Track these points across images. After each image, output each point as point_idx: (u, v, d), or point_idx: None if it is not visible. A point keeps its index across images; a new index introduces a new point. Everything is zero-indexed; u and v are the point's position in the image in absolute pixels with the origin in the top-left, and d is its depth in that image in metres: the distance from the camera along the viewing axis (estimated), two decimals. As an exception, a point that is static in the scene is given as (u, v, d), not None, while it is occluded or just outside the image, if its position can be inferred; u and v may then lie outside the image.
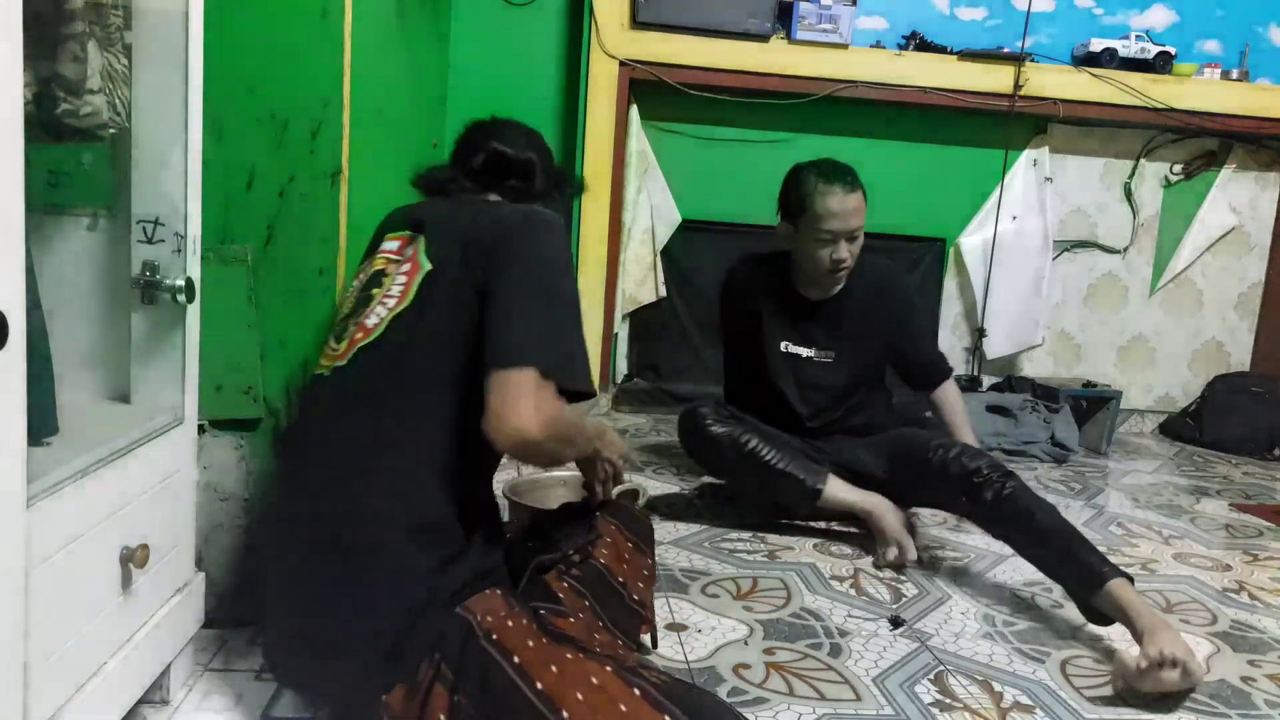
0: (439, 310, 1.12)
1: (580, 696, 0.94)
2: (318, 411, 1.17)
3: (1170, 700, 1.37)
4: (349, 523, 1.06)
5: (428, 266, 1.14)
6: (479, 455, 1.12)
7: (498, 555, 1.18)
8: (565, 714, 0.93)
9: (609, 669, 0.97)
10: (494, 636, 0.99)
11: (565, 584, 1.16)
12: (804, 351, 2.13)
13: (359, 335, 1.14)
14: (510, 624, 1.01)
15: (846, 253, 1.97)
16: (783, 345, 2.12)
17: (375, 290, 1.18)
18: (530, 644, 1.00)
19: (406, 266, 1.16)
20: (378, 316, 1.14)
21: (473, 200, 1.29)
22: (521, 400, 1.01)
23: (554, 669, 0.97)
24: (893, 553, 1.87)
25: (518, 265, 1.11)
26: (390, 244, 1.23)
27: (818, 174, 1.97)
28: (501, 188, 1.32)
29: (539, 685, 0.95)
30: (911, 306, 2.28)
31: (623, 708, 0.93)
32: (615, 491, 1.48)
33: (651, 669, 1.01)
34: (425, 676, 0.98)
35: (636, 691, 0.94)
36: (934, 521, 2.22)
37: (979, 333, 3.47)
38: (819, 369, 2.13)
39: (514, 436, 1.01)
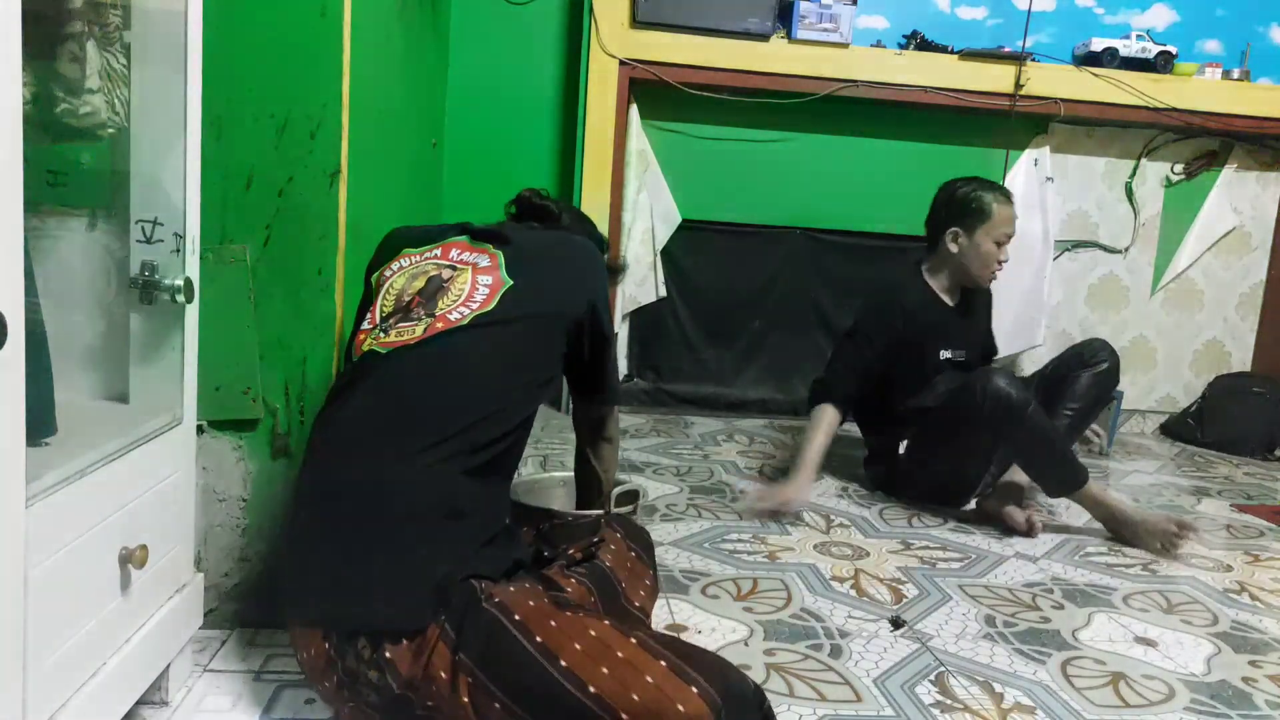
0: (522, 321, 1.24)
1: (579, 646, 0.98)
2: (373, 382, 1.18)
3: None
4: (397, 488, 1.09)
5: (509, 282, 1.26)
6: (516, 456, 1.23)
7: (521, 552, 1.22)
8: (564, 663, 0.97)
9: (607, 623, 1.02)
10: (496, 599, 1.03)
11: (573, 580, 1.17)
12: (953, 354, 2.38)
13: (439, 324, 1.20)
14: (512, 589, 1.07)
15: (1006, 254, 2.31)
16: (942, 353, 2.37)
17: (439, 292, 1.26)
18: (531, 603, 1.04)
19: (487, 278, 1.27)
20: (460, 314, 1.22)
21: (525, 227, 1.46)
22: (617, 423, 1.57)
23: (553, 623, 1.01)
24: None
25: (605, 313, 1.36)
26: (434, 251, 1.32)
27: (990, 188, 2.31)
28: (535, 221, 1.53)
29: (538, 638, 0.99)
30: (991, 303, 2.57)
31: (620, 654, 0.97)
32: (615, 492, 1.49)
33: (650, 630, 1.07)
34: (431, 635, 1.01)
35: (634, 640, 0.99)
36: (934, 522, 2.22)
37: (980, 333, 3.48)
38: (959, 367, 2.38)
39: (617, 444, 1.58)
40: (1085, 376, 2.30)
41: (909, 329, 2.30)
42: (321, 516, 1.11)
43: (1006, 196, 2.30)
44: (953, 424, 2.18)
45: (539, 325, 1.26)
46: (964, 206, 2.29)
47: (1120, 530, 2.15)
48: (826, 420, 2.28)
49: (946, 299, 2.38)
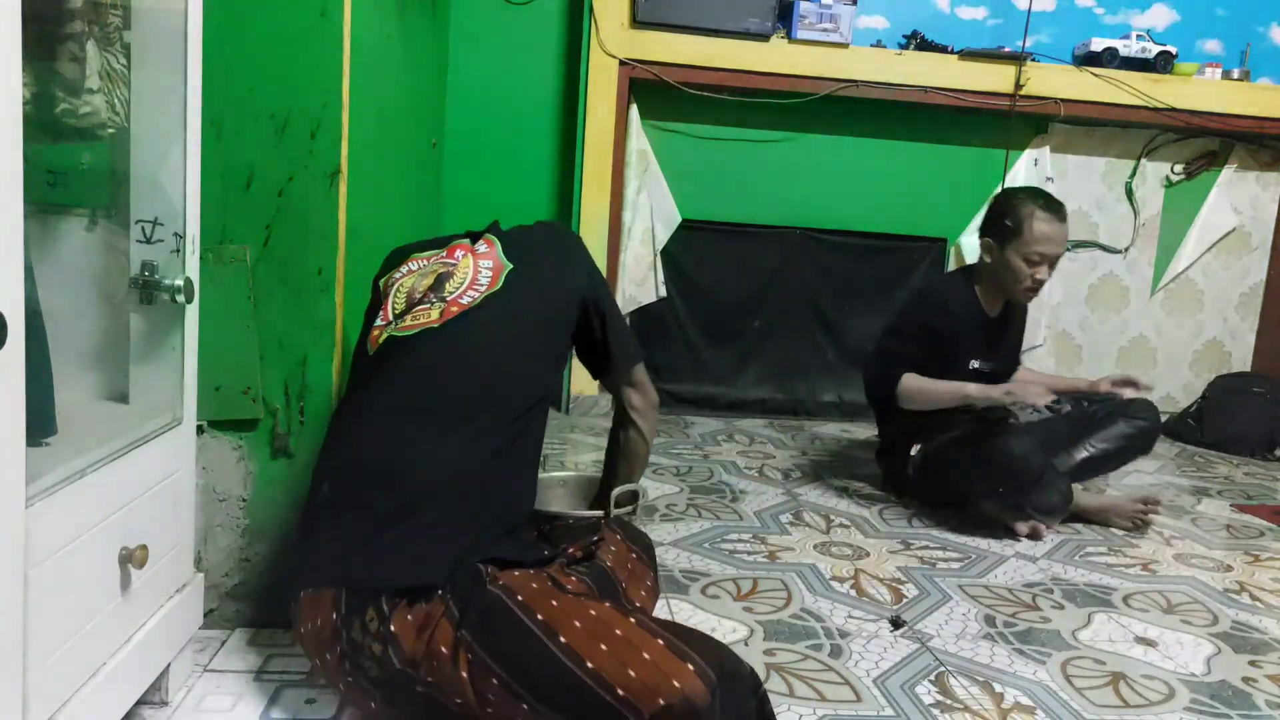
0: (529, 298, 1.31)
1: (578, 624, 1.00)
2: (398, 365, 1.22)
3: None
4: (424, 466, 1.13)
5: (509, 265, 1.33)
6: (536, 440, 1.28)
7: (537, 554, 1.21)
8: (563, 639, 0.98)
9: (607, 604, 1.05)
10: (500, 581, 1.06)
11: (573, 578, 1.18)
12: (981, 365, 2.32)
13: (454, 308, 1.27)
14: (517, 573, 1.09)
15: (1046, 275, 2.19)
16: (972, 364, 2.31)
17: (448, 282, 1.31)
18: (535, 586, 1.07)
19: (488, 262, 1.34)
20: (470, 297, 1.28)
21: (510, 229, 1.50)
22: (652, 387, 1.52)
23: (554, 603, 1.04)
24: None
25: (603, 285, 1.43)
26: (440, 253, 1.38)
27: (1035, 201, 2.17)
28: None
29: (539, 616, 1.01)
30: (1026, 317, 2.51)
31: (619, 632, 0.99)
32: (615, 492, 1.49)
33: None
34: (435, 612, 1.02)
35: (632, 620, 1.01)
36: (934, 522, 2.22)
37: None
38: (984, 378, 2.32)
39: (658, 410, 1.53)
40: (1121, 425, 2.33)
41: (946, 331, 2.24)
42: (345, 490, 1.13)
43: (1051, 213, 2.15)
44: (966, 458, 2.15)
45: (546, 302, 1.33)
46: (999, 217, 2.20)
47: (1091, 520, 2.27)
48: (914, 376, 2.19)
49: (987, 308, 2.30)
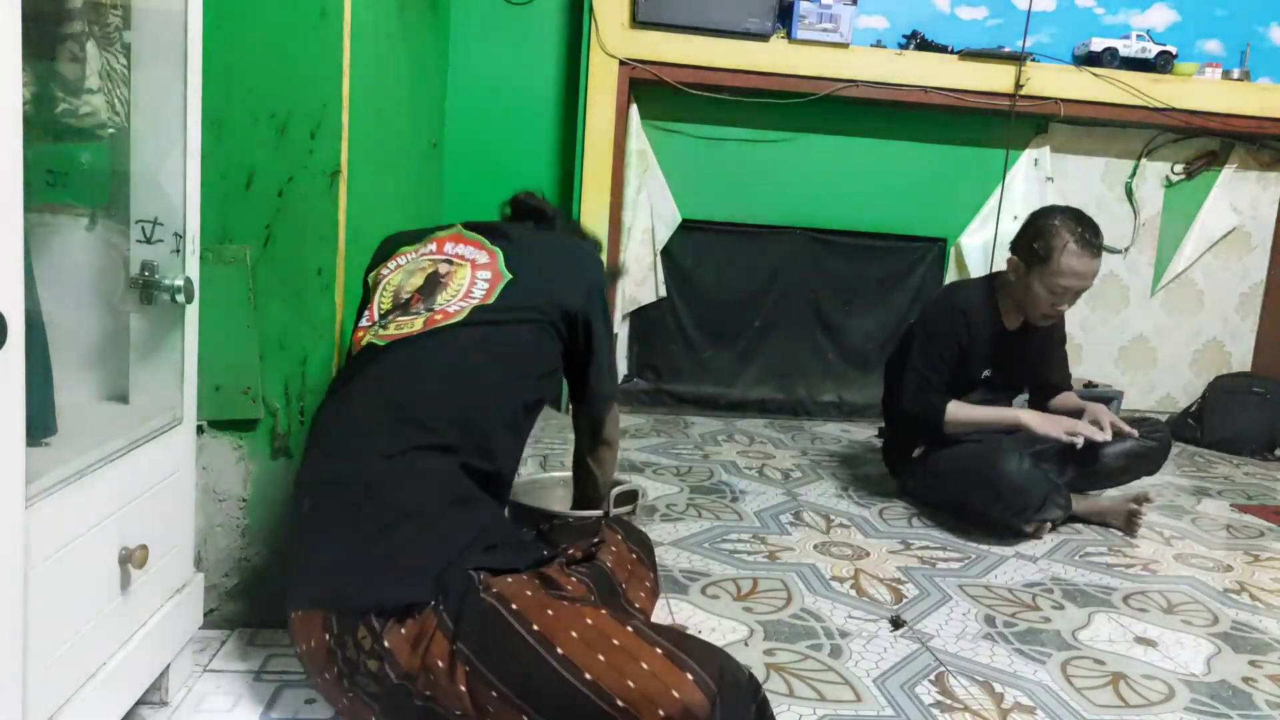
0: (520, 314, 1.27)
1: (575, 634, 0.98)
2: (373, 374, 1.20)
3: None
4: (399, 478, 1.11)
5: (509, 276, 1.29)
6: (514, 456, 1.26)
7: (535, 554, 1.20)
8: (560, 650, 0.97)
9: (604, 612, 1.03)
10: (494, 589, 1.04)
11: (573, 579, 1.17)
12: (992, 374, 2.31)
13: (439, 317, 1.23)
14: (510, 580, 1.07)
15: (1067, 307, 2.14)
16: (984, 373, 2.30)
17: (438, 287, 1.28)
18: (529, 593, 1.05)
19: (486, 273, 1.29)
20: (459, 307, 1.24)
21: (520, 226, 1.46)
22: (616, 424, 1.51)
23: (550, 612, 1.02)
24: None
25: (602, 312, 1.37)
26: (429, 246, 1.34)
27: (1073, 233, 2.05)
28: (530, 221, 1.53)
29: (535, 626, 0.99)
30: (1064, 339, 2.44)
31: (616, 642, 0.97)
32: (614, 493, 1.49)
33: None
34: (429, 625, 1.01)
35: (630, 629, 0.99)
36: (933, 522, 2.22)
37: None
38: (995, 387, 2.34)
39: (616, 447, 1.52)
40: (1131, 442, 2.29)
41: (964, 341, 2.20)
42: (325, 506, 1.12)
43: (1084, 247, 2.03)
44: (967, 479, 2.13)
45: (537, 318, 1.28)
46: (1030, 238, 2.10)
47: (1086, 520, 2.29)
48: (959, 405, 2.19)
49: (1006, 321, 2.24)
